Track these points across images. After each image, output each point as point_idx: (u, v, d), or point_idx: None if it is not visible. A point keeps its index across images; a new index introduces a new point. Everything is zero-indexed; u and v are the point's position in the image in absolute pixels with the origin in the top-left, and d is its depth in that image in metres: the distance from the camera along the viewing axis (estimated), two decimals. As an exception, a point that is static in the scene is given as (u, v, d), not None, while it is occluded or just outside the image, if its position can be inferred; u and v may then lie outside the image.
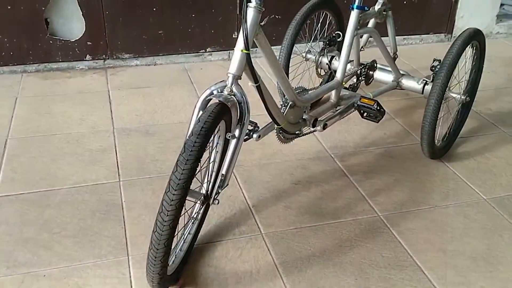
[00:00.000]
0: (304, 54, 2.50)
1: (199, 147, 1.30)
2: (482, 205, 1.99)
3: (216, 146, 1.63)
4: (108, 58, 3.07)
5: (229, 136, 1.53)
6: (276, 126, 1.83)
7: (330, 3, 2.44)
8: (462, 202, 2.00)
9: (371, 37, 2.39)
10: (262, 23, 3.29)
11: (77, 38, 2.97)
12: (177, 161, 1.29)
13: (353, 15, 2.03)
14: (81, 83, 2.89)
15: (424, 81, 2.26)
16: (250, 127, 1.77)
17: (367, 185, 2.09)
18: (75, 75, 2.99)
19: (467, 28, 2.15)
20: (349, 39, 2.05)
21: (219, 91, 1.54)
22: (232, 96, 1.52)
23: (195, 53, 3.21)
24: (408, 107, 2.75)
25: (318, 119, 2.01)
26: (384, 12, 2.30)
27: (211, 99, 1.53)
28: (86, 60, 3.03)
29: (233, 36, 3.23)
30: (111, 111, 2.61)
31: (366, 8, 2.07)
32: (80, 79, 2.94)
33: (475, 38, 2.12)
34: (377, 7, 2.27)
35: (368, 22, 2.35)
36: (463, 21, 3.64)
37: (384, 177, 2.15)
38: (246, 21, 1.50)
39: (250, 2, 1.55)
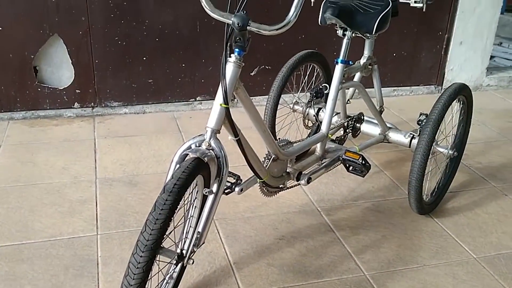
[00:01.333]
0: (291, 105, 2.49)
1: (170, 206, 1.25)
2: (472, 264, 1.92)
3: (194, 201, 1.58)
4: (96, 106, 3.05)
5: (206, 192, 1.48)
6: (258, 180, 1.78)
7: (317, 56, 2.45)
8: (451, 261, 1.93)
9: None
10: (253, 73, 3.30)
11: (66, 86, 2.96)
12: (146, 220, 1.23)
13: (338, 69, 2.02)
14: (68, 131, 2.87)
15: (411, 135, 2.23)
16: (232, 180, 1.74)
17: (353, 241, 2.03)
18: (62, 123, 2.96)
19: (453, 83, 2.14)
20: (334, 93, 2.03)
21: (197, 145, 1.51)
22: (210, 151, 1.49)
23: (185, 101, 3.21)
24: (397, 159, 2.72)
25: (303, 172, 1.97)
26: (369, 66, 2.29)
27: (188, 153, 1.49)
28: (74, 108, 3.02)
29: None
30: (95, 160, 2.57)
31: (350, 62, 2.06)
32: (67, 127, 2.92)
33: (461, 93, 2.11)
34: (362, 61, 2.27)
35: (354, 75, 2.35)
36: (453, 74, 3.66)
37: (371, 233, 2.08)
38: (225, 76, 1.49)
39: (230, 57, 1.53)
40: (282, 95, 2.35)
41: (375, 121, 2.33)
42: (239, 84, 1.56)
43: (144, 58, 3.01)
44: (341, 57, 2.02)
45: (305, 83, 2.55)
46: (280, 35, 3.17)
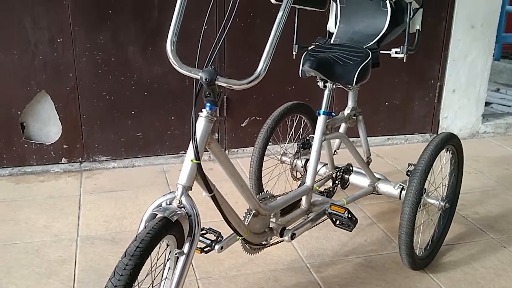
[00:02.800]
0: (279, 157, 2.44)
1: (131, 271, 1.17)
2: (468, 324, 1.81)
3: (167, 261, 1.50)
4: (84, 161, 3.01)
5: (176, 253, 1.41)
6: (238, 237, 1.71)
7: (303, 107, 2.42)
8: (447, 320, 1.82)
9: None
10: (243, 125, 3.26)
11: (53, 142, 2.93)
12: (105, 287, 1.16)
13: (320, 120, 1.98)
14: (53, 187, 2.81)
15: (401, 186, 2.16)
16: (213, 237, 1.66)
17: (342, 300, 1.92)
18: (49, 179, 2.92)
19: (440, 133, 2.09)
20: (317, 144, 1.98)
21: (168, 203, 1.44)
22: (181, 209, 1.42)
23: (174, 154, 3.16)
24: (391, 210, 2.63)
25: (287, 228, 1.89)
26: (354, 117, 2.25)
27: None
28: (61, 163, 2.98)
29: (214, 137, 3.17)
30: (78, 217, 2.50)
31: (333, 113, 2.02)
32: (53, 183, 2.87)
33: (449, 143, 2.05)
34: (346, 111, 2.23)
35: (339, 126, 2.31)
36: (448, 121, 3.62)
37: (362, 291, 1.98)
38: (195, 131, 1.44)
39: (201, 111, 1.50)
40: (271, 147, 2.31)
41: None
42: (211, 138, 1.51)
43: (133, 112, 3.00)
44: (323, 109, 1.98)
45: (292, 134, 2.51)
46: (270, 86, 3.19)
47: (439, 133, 3.60)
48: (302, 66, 1.84)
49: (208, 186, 1.51)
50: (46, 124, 2.93)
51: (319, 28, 2.40)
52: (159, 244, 1.36)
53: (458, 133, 3.67)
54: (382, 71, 3.33)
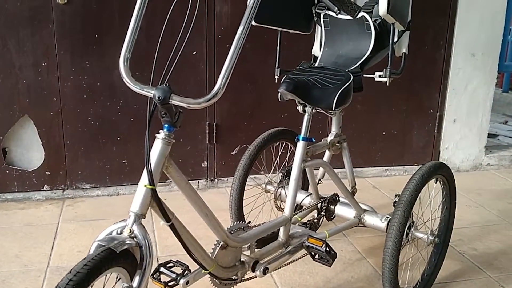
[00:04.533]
0: (264, 185, 2.33)
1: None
2: None
3: (120, 296, 1.37)
4: (67, 188, 2.92)
5: (124, 288, 1.29)
6: (203, 271, 1.58)
7: (289, 134, 2.31)
8: None
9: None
10: (233, 153, 3.15)
11: (35, 168, 2.85)
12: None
13: (299, 147, 1.87)
14: (32, 215, 2.72)
15: (388, 219, 2.02)
16: (179, 270, 1.54)
17: None
18: (29, 206, 2.82)
19: (428, 162, 1.96)
20: (296, 172, 1.86)
21: (118, 232, 1.33)
22: (132, 239, 1.31)
23: (161, 182, 3.03)
24: (382, 245, 2.46)
25: (260, 261, 1.76)
26: (337, 144, 2.13)
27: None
28: (43, 190, 2.89)
29: (203, 165, 3.10)
30: (52, 246, 2.39)
31: (313, 139, 1.91)
32: (32, 211, 2.77)
33: (437, 172, 1.92)
34: (329, 138, 2.12)
35: (324, 153, 2.19)
36: (448, 152, 3.48)
37: (343, 333, 1.82)
38: (149, 154, 1.34)
39: (159, 133, 1.40)
40: (258, 175, 2.20)
41: (351, 203, 2.13)
42: (169, 162, 1.41)
43: (118, 138, 2.92)
44: (302, 134, 1.87)
45: (277, 162, 2.40)
46: (261, 113, 3.09)
47: (429, 161, 3.47)
48: (279, 88, 1.74)
49: (165, 214, 1.39)
50: (28, 149, 2.86)
51: (307, 52, 2.32)
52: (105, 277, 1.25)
53: (460, 165, 3.53)
54: (378, 99, 3.25)
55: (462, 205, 2.98)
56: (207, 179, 3.13)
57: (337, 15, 1.37)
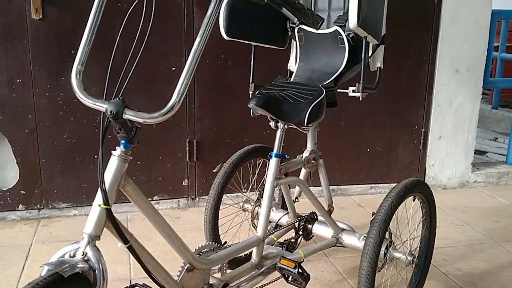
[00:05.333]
0: (241, 204, 2.26)
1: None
2: None
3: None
4: (43, 208, 2.84)
5: (74, 315, 1.21)
6: (167, 294, 1.50)
7: (265, 150, 2.24)
8: None
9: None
10: (215, 170, 3.09)
11: (10, 187, 2.78)
12: None
13: (272, 163, 1.81)
14: (5, 236, 2.63)
15: (365, 237, 1.95)
16: (143, 295, 1.47)
17: None
18: (3, 227, 2.74)
19: (405, 179, 1.90)
20: (268, 190, 1.80)
21: (71, 254, 1.26)
22: (85, 262, 1.24)
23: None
24: (364, 265, 2.40)
25: (230, 284, 1.69)
26: (313, 161, 2.07)
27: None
28: (18, 210, 2.81)
29: (183, 183, 3.03)
30: (23, 268, 2.31)
31: (286, 156, 1.85)
32: (6, 231, 2.69)
33: (415, 190, 1.86)
34: (305, 154, 2.06)
35: (300, 170, 2.13)
36: (434, 169, 3.42)
37: None
38: (103, 172, 1.28)
39: (115, 149, 1.34)
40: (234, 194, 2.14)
41: (329, 222, 2.06)
42: (126, 180, 1.34)
43: (96, 156, 2.85)
44: (275, 151, 1.81)
45: (254, 180, 2.33)
46: (244, 130, 3.04)
47: (427, 181, 3.42)
48: (249, 103, 1.69)
49: (122, 235, 1.32)
50: (2, 168, 2.79)
51: (285, 67, 2.27)
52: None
53: (446, 182, 3.47)
54: (362, 116, 3.20)
55: (448, 223, 2.92)
56: (187, 197, 3.06)
57: (297, 26, 1.33)
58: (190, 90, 2.91)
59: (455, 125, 3.38)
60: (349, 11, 1.61)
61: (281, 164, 1.85)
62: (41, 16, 2.61)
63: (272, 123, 1.83)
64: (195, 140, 2.99)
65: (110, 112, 1.21)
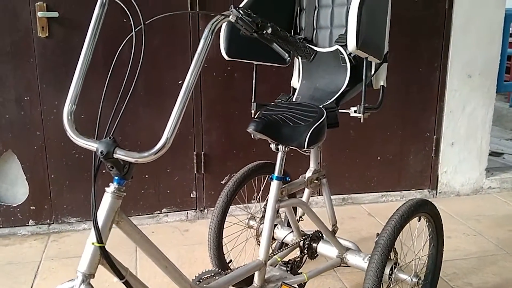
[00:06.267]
0: (246, 221, 2.25)
1: None
2: None
3: None
4: (53, 223, 2.87)
5: None
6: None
7: (270, 167, 2.21)
8: None
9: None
10: (223, 182, 3.08)
11: (20, 203, 2.81)
12: None
13: (273, 186, 1.79)
14: (15, 252, 2.67)
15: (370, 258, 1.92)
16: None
17: None
18: (14, 242, 2.78)
19: (409, 199, 1.86)
20: (270, 214, 1.78)
21: (67, 293, 1.26)
22: (80, 302, 1.24)
23: (149, 214, 3.00)
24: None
25: (231, 311, 1.68)
26: (316, 181, 2.04)
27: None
28: (28, 225, 2.85)
29: (191, 196, 3.03)
30: (31, 286, 2.34)
31: (287, 178, 1.83)
32: (17, 247, 2.72)
33: (419, 211, 1.82)
34: (307, 174, 2.03)
35: (304, 191, 2.11)
36: (447, 176, 3.36)
37: None
38: (96, 209, 1.27)
39: (108, 186, 1.33)
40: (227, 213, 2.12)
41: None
42: (120, 216, 1.34)
43: (104, 171, 2.85)
44: (276, 173, 1.79)
45: (259, 197, 2.32)
46: (251, 142, 3.01)
47: (440, 189, 3.37)
48: (248, 128, 1.67)
49: (117, 270, 1.32)
50: (13, 184, 2.82)
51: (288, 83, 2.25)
52: None
53: (459, 189, 3.41)
54: (372, 124, 3.14)
55: (460, 233, 2.87)
56: (196, 209, 3.06)
57: (287, 63, 1.30)
58: (197, 103, 2.90)
59: (468, 131, 3.31)
60: (347, 32, 1.57)
61: (283, 187, 1.83)
62: (47, 34, 2.62)
63: (272, 146, 1.81)
64: (202, 153, 2.98)
65: (101, 152, 1.21)
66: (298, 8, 2.04)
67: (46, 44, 2.65)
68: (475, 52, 3.18)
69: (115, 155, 1.22)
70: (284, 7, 2.02)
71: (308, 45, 1.32)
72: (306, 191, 2.09)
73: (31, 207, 2.83)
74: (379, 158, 3.26)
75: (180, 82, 2.81)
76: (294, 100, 2.01)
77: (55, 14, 2.59)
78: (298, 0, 2.03)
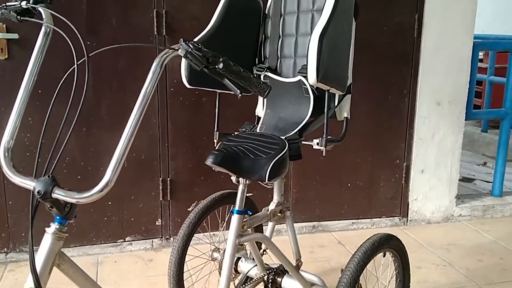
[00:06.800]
0: (210, 253, 2.17)
1: None
2: None
3: None
4: (10, 251, 2.75)
5: None
6: None
7: (235, 197, 2.16)
8: None
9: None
10: (190, 209, 2.99)
11: None
12: None
13: (234, 220, 1.72)
14: (-32, 283, 2.54)
15: (334, 296, 1.86)
16: None
17: None
18: (-26, 272, 2.65)
19: (374, 235, 1.82)
20: (230, 250, 1.71)
21: None
22: None
23: (112, 243, 2.89)
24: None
25: None
26: (279, 214, 1.98)
27: None
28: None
29: (156, 223, 2.94)
30: (-19, 322, 2.21)
31: (249, 212, 1.77)
32: (-25, 277, 2.60)
33: (383, 247, 1.77)
34: (271, 207, 1.96)
35: (269, 224, 2.04)
36: (418, 204, 3.34)
37: None
38: (33, 251, 1.19)
39: (49, 226, 1.25)
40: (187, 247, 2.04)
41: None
42: (61, 259, 1.26)
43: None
44: (237, 207, 1.73)
45: (224, 227, 2.25)
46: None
47: (411, 216, 3.34)
48: (206, 161, 1.61)
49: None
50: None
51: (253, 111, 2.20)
52: None
53: (430, 216, 3.39)
54: (342, 150, 3.11)
55: (429, 263, 2.83)
56: (161, 238, 2.97)
57: (239, 98, 1.25)
58: (163, 127, 2.83)
59: (438, 158, 3.31)
60: (307, 65, 1.53)
61: (244, 220, 1.77)
62: (6, 56, 2.53)
63: (233, 178, 1.75)
64: (168, 179, 2.90)
65: (38, 192, 1.13)
66: (263, 36, 2.00)
67: (5, 66, 2.56)
68: (444, 80, 3.19)
69: (53, 195, 1.14)
70: (248, 35, 1.98)
71: (263, 80, 1.27)
72: (270, 224, 2.03)
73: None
74: (349, 185, 3.22)
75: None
76: (258, 129, 1.96)
77: (15, 35, 2.52)
78: (262, 28, 1.99)
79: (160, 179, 2.89)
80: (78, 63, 1.12)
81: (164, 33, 2.72)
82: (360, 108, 3.04)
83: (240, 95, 1.19)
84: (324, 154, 1.70)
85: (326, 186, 3.19)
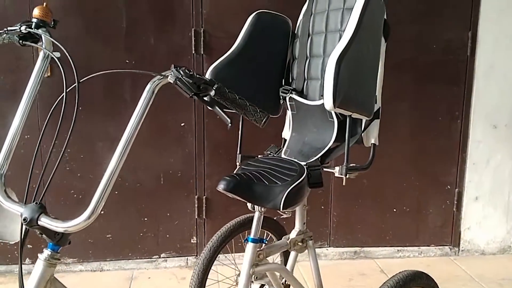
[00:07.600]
0: (234, 278, 2.10)
1: None
2: None
3: None
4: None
5: None
6: None
7: (267, 222, 2.08)
8: None
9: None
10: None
11: (17, 241, 2.77)
12: None
13: (248, 250, 1.65)
14: (8, 291, 2.63)
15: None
16: None
17: None
18: (9, 281, 2.74)
19: (402, 271, 1.67)
20: (244, 280, 1.64)
21: None
22: None
23: (147, 258, 2.90)
24: None
25: None
26: (300, 243, 1.87)
27: None
28: (25, 264, 2.80)
29: (192, 241, 2.91)
30: (11, 333, 2.27)
31: (265, 240, 1.68)
32: (11, 286, 2.68)
33: (411, 285, 1.62)
34: (291, 235, 1.86)
35: (289, 254, 1.94)
36: (471, 233, 3.11)
37: None
38: (22, 278, 1.18)
39: (42, 252, 1.24)
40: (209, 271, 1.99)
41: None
42: (53, 285, 1.24)
43: (102, 212, 2.79)
44: (252, 235, 1.66)
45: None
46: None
47: (463, 246, 3.11)
48: (217, 186, 1.55)
49: None
50: (11, 222, 2.79)
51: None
52: None
53: (484, 247, 3.14)
54: (386, 174, 2.96)
55: (478, 300, 2.61)
56: (196, 255, 2.94)
57: (228, 128, 1.19)
58: (199, 146, 2.82)
59: (494, 185, 3.06)
60: (324, 89, 1.44)
61: (260, 249, 1.69)
62: (49, 74, 2.62)
63: (249, 205, 1.68)
64: (204, 197, 2.88)
65: (24, 219, 1.12)
66: (292, 56, 1.93)
67: (48, 83, 2.63)
68: (500, 101, 2.96)
69: (39, 222, 1.12)
70: (275, 55, 1.91)
71: (259, 108, 1.20)
72: (292, 253, 1.93)
73: (28, 246, 2.78)
74: (394, 210, 3.05)
75: (182, 124, 2.75)
76: (283, 153, 1.88)
77: (57, 54, 2.59)
78: (291, 48, 1.92)
79: (196, 197, 2.87)
80: (68, 90, 1.10)
81: (202, 52, 2.71)
82: (402, 130, 2.88)
83: (230, 124, 1.12)
84: (344, 184, 1.58)
85: (369, 210, 3.04)
